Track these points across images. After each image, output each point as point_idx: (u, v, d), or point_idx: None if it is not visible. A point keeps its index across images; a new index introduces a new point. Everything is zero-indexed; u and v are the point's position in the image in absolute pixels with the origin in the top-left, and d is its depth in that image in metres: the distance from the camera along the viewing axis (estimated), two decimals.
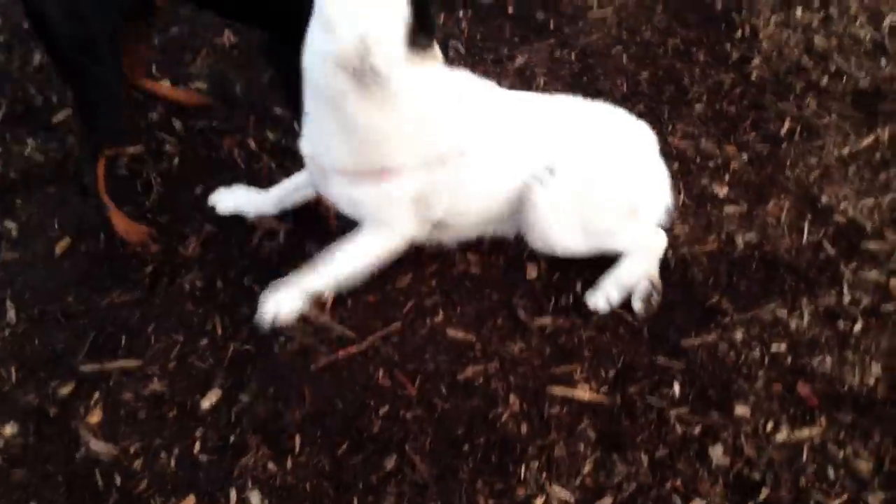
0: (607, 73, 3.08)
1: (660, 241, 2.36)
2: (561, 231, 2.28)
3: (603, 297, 2.30)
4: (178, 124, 2.84)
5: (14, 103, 2.89)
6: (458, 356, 2.19)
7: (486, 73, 2.97)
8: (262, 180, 2.61)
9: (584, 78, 3.07)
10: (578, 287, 2.33)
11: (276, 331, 2.19)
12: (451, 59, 3.07)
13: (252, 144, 2.77)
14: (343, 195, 2.22)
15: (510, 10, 3.38)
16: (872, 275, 2.40)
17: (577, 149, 2.26)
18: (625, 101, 2.91)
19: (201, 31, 3.23)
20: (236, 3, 2.48)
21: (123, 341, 2.21)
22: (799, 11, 3.34)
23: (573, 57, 3.16)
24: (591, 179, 2.24)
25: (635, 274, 2.30)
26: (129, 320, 2.27)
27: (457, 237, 2.40)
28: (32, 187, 2.61)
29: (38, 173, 2.65)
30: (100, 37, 2.15)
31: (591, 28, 3.29)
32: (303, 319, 2.22)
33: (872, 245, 2.48)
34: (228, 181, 2.60)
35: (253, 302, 2.24)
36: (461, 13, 3.35)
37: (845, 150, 2.77)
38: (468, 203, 2.26)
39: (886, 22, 3.29)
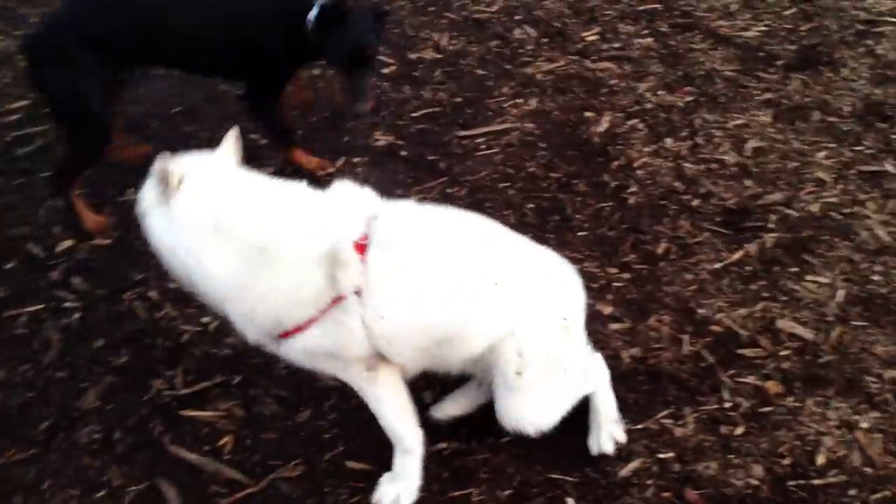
0: (496, 206, 3.27)
1: (602, 362, 2.39)
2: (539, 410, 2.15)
3: (607, 437, 2.29)
4: (77, 281, 2.89)
5: None
6: (358, 487, 2.22)
7: None
8: (165, 331, 2.67)
9: (473, 211, 3.24)
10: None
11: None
12: None
13: (154, 295, 2.83)
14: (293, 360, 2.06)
15: (403, 153, 3.58)
16: (750, 380, 2.54)
17: (533, 311, 2.05)
18: (512, 230, 3.08)
19: (104, 189, 3.32)
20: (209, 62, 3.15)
21: (20, 500, 2.18)
22: (669, 141, 3.62)
23: (463, 193, 3.35)
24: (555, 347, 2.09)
25: (611, 400, 2.34)
26: (24, 478, 2.24)
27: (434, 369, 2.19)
28: None
29: None
30: (90, 103, 2.86)
31: (480, 166, 3.50)
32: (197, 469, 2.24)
33: (748, 351, 2.63)
34: (130, 334, 2.65)
35: (152, 448, 2.25)
36: (357, 159, 3.54)
37: (718, 265, 2.97)
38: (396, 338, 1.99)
39: (748, 146, 3.59)
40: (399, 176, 3.45)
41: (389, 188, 3.33)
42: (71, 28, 2.86)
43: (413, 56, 4.29)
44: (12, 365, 2.57)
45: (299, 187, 2.04)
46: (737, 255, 3.02)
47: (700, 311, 2.78)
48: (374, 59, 3.11)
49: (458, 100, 3.94)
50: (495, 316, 2.01)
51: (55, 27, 2.93)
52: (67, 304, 2.80)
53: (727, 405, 2.46)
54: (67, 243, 3.06)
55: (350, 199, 2.06)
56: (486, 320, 2.01)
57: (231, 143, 2.09)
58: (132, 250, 3.01)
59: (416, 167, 3.50)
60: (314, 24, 2.97)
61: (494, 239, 2.17)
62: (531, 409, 2.12)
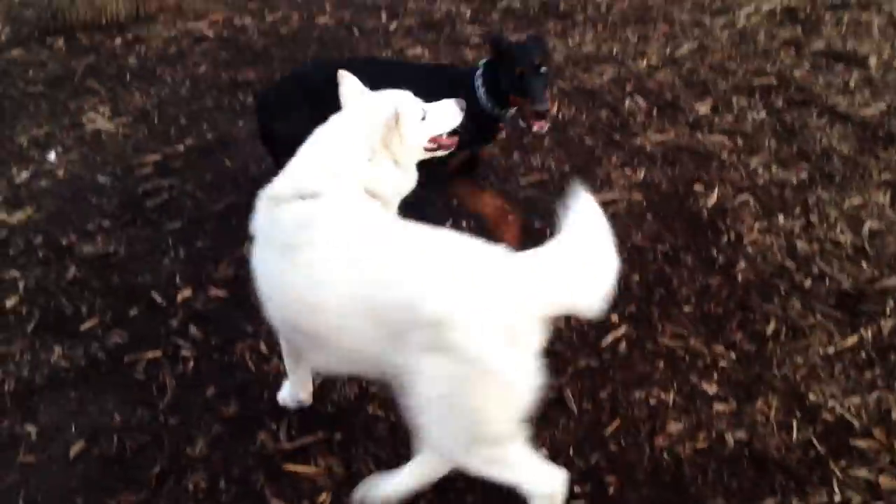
0: None
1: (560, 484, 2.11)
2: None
3: None
4: (194, 330, 3.03)
5: (46, 312, 3.12)
6: None
7: None
8: (273, 383, 2.76)
9: None
10: None
11: None
12: None
13: (263, 348, 2.94)
14: None
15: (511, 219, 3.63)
16: (862, 473, 2.43)
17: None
18: (616, 302, 3.08)
19: (225, 244, 3.48)
20: None
21: None
22: (781, 218, 3.55)
23: None
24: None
25: None
26: None
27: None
28: (55, 392, 2.77)
29: (63, 378, 2.82)
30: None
31: None
32: None
33: (861, 443, 2.53)
34: (239, 384, 2.76)
35: (254, 499, 2.32)
36: (466, 223, 3.60)
37: (830, 350, 2.87)
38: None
39: (866, 227, 3.49)
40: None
41: None
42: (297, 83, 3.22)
43: (523, 123, 4.35)
44: (131, 409, 2.70)
45: None
46: (851, 341, 2.92)
47: (811, 396, 2.69)
48: (542, 65, 3.07)
49: (567, 168, 3.98)
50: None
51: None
52: (184, 353, 2.93)
53: (837, 499, 2.36)
54: (187, 293, 3.21)
55: None
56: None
57: None
58: (246, 303, 3.14)
59: (523, 234, 3.54)
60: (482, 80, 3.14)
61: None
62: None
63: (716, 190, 3.74)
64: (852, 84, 4.59)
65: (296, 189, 2.20)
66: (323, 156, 2.28)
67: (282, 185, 2.24)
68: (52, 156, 4.18)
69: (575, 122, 4.36)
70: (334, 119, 2.38)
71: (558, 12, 5.86)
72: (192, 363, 2.89)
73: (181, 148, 4.23)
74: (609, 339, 2.95)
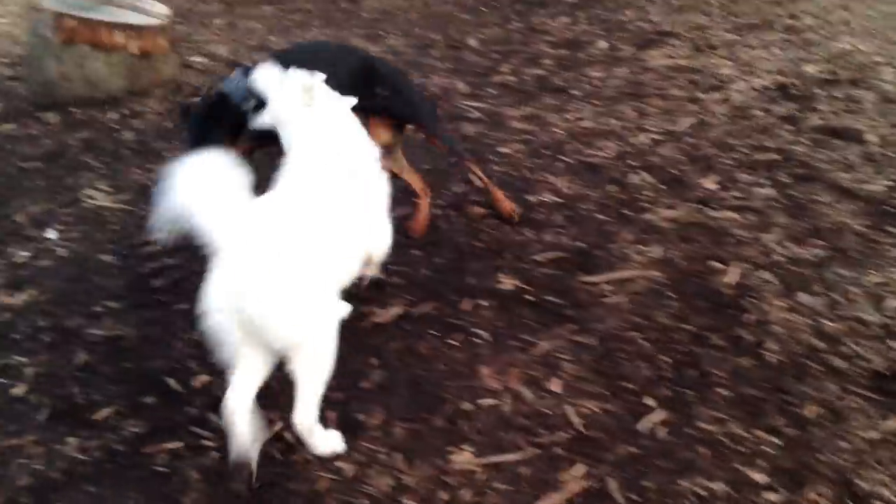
0: (630, 357, 3.20)
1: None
2: None
3: None
4: (214, 418, 2.89)
5: (58, 401, 2.96)
6: None
7: (512, 363, 3.12)
8: (301, 475, 2.63)
9: (606, 362, 3.18)
10: None
11: None
12: (477, 345, 3.23)
13: (289, 437, 2.81)
14: None
15: (529, 297, 3.57)
16: None
17: None
18: (649, 385, 3.02)
19: None
20: None
21: None
22: (803, 296, 3.54)
23: (594, 342, 3.30)
24: None
25: None
26: None
27: None
28: (73, 487, 2.60)
29: (80, 472, 2.66)
30: None
31: (608, 314, 3.46)
32: None
33: None
34: (267, 477, 2.62)
35: None
36: (483, 301, 3.53)
37: (874, 434, 2.82)
38: None
39: (888, 304, 3.48)
40: (526, 321, 3.43)
41: (518, 334, 3.33)
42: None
43: (532, 199, 4.35)
44: None
45: None
46: (893, 424, 2.87)
47: (861, 483, 2.62)
48: None
49: (581, 244, 3.95)
50: None
51: None
52: (205, 443, 2.79)
53: None
54: (204, 378, 3.08)
55: None
56: None
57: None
58: (266, 389, 3.02)
59: (542, 313, 3.48)
60: None
61: None
62: None
63: (734, 267, 3.73)
64: (853, 160, 4.66)
65: None
66: None
67: None
68: (52, 234, 4.06)
69: (584, 198, 4.35)
70: None
71: (554, 87, 5.93)
72: (215, 453, 2.75)
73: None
74: (647, 423, 2.87)
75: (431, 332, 3.33)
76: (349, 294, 2.85)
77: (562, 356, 3.21)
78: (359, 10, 8.55)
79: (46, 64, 5.54)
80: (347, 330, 3.29)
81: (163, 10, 6.01)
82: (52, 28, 5.44)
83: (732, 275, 3.69)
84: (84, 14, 5.47)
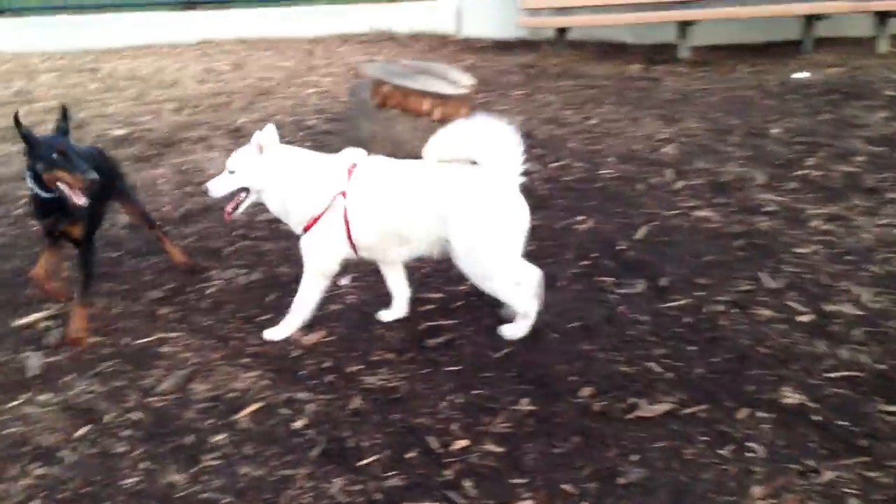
0: None
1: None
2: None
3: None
4: (468, 484, 2.91)
5: (330, 441, 3.14)
6: None
7: (788, 488, 2.83)
8: None
9: None
10: None
11: None
12: (751, 460, 2.97)
13: None
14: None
15: (815, 417, 3.24)
16: None
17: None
18: None
19: (503, 394, 3.38)
20: None
21: None
22: None
23: (889, 480, 2.91)
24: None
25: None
26: None
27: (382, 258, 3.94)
28: None
29: None
30: None
31: None
32: None
33: None
34: None
35: None
36: (761, 414, 3.26)
37: None
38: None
39: None
40: (809, 444, 3.11)
41: (798, 457, 3.03)
42: None
43: (829, 308, 3.98)
44: None
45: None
46: None
47: None
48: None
49: (883, 367, 3.53)
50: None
51: None
52: None
53: None
54: (462, 443, 3.12)
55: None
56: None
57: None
58: (521, 462, 3.00)
59: (829, 438, 3.13)
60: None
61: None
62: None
63: None
64: None
65: None
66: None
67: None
68: (345, 281, 4.37)
69: (892, 315, 3.91)
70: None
71: (865, 187, 5.45)
72: None
73: (462, 288, 4.26)
74: None
75: (700, 436, 3.13)
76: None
77: (848, 490, 2.86)
78: (657, 89, 8.50)
79: (360, 123, 6.07)
80: (606, 417, 3.22)
81: (469, 80, 6.36)
82: (370, 92, 5.96)
83: None
84: (399, 81, 5.94)
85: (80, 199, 3.67)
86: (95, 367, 3.68)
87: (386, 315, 4.04)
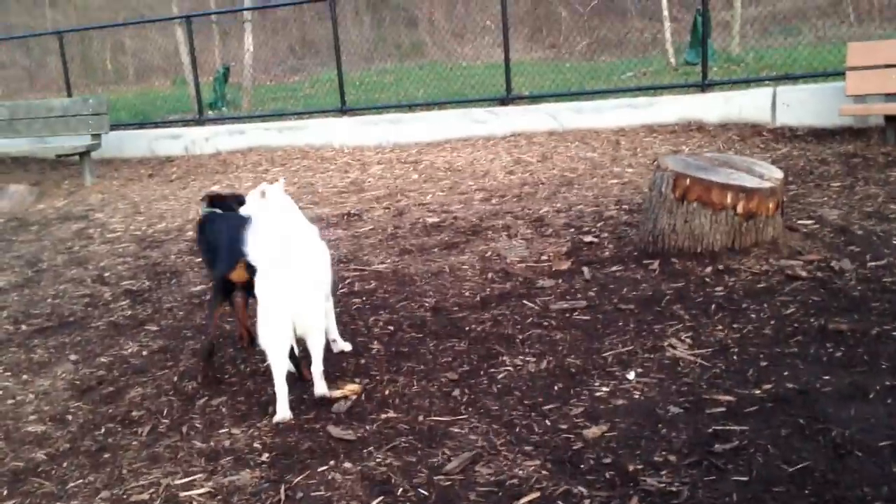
0: None
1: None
2: None
3: None
4: None
5: None
6: None
7: None
8: None
9: None
10: None
11: None
12: None
13: None
14: None
15: None
16: None
17: None
18: None
19: None
20: None
21: None
22: None
23: None
24: None
25: None
26: None
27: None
28: None
29: None
30: None
31: None
32: None
33: None
34: None
35: None
36: None
37: None
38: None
39: None
40: None
41: None
42: None
43: None
44: None
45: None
46: None
47: None
48: None
49: None
50: None
51: None
52: None
53: None
54: None
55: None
56: None
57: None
58: None
59: None
60: None
61: None
62: None
63: None
64: None
65: None
66: None
67: None
68: (631, 375, 4.35)
69: None
70: None
71: None
72: None
73: (757, 392, 4.04)
74: None
75: None
76: None
77: None
78: None
79: (659, 216, 6.05)
80: None
81: (776, 173, 6.10)
82: (670, 184, 5.94)
83: None
84: (701, 175, 5.86)
85: None
86: (392, 441, 3.99)
87: None
